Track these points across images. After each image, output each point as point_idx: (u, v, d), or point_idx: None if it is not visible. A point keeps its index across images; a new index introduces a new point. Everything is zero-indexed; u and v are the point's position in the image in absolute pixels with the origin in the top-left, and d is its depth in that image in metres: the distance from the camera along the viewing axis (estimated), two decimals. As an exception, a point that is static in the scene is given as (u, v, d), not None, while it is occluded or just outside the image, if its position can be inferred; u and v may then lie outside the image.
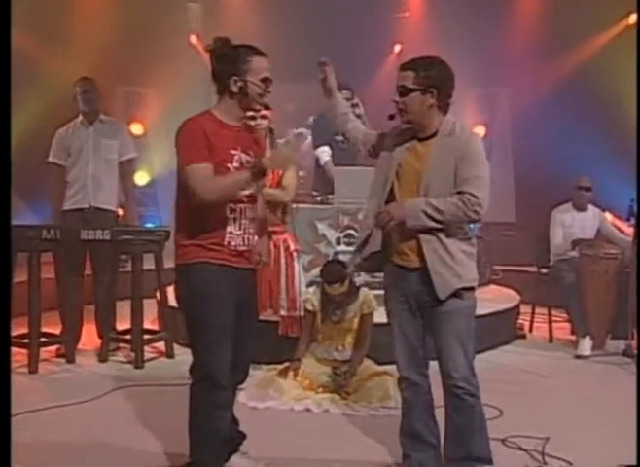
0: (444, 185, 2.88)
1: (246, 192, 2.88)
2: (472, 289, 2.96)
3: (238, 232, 2.87)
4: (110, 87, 8.93)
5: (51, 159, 5.15)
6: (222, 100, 2.89)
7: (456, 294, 2.90)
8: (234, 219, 2.86)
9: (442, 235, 2.89)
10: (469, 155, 2.88)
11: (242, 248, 2.89)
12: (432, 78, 2.88)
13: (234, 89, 2.83)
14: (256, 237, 2.96)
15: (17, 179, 6.34)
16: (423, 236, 2.89)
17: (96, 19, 7.75)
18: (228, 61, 2.82)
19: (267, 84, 2.86)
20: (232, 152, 2.84)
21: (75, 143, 5.08)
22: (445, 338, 2.93)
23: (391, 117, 3.02)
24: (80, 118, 5.15)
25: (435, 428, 3.11)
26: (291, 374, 4.16)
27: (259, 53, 2.86)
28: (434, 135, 2.95)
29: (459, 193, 2.84)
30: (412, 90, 2.88)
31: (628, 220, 5.78)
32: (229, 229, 2.85)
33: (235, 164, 2.84)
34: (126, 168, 5.24)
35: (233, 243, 2.86)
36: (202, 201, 2.74)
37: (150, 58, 8.13)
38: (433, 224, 2.84)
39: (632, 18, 8.15)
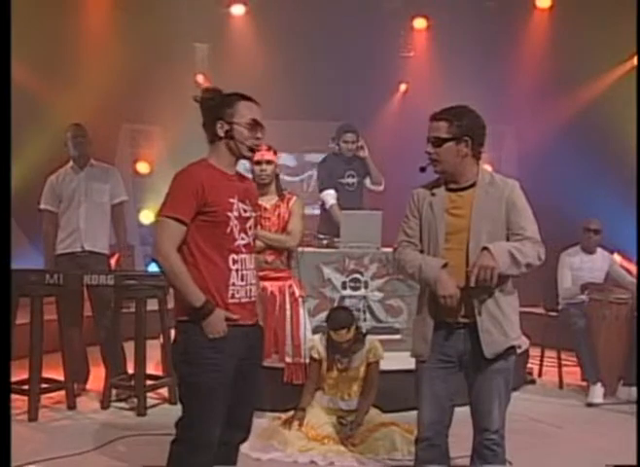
0: (494, 232, 2.86)
1: (244, 241, 2.81)
2: (516, 347, 2.94)
3: (241, 283, 2.79)
4: (116, 125, 9.01)
5: (42, 206, 5.19)
6: (213, 149, 2.84)
7: (502, 353, 2.86)
8: (237, 270, 2.78)
9: (493, 288, 2.84)
10: (519, 202, 2.92)
11: (245, 300, 2.81)
12: (465, 127, 2.88)
13: (221, 133, 2.78)
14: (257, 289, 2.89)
15: (23, 218, 6.36)
16: (473, 288, 2.81)
17: (102, 57, 7.77)
18: (214, 106, 2.78)
19: (256, 128, 2.79)
20: (231, 200, 2.79)
21: (67, 189, 5.12)
22: (484, 395, 2.91)
23: (422, 169, 2.98)
24: (70, 164, 5.21)
25: None
26: (295, 424, 4.07)
27: (247, 98, 2.82)
28: (472, 186, 2.93)
29: (519, 239, 2.84)
30: (446, 140, 2.87)
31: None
32: (232, 281, 2.77)
33: (235, 213, 2.78)
34: (118, 211, 5.29)
35: (237, 296, 2.78)
36: (156, 257, 2.72)
37: (156, 97, 8.19)
38: (513, 269, 2.80)
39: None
